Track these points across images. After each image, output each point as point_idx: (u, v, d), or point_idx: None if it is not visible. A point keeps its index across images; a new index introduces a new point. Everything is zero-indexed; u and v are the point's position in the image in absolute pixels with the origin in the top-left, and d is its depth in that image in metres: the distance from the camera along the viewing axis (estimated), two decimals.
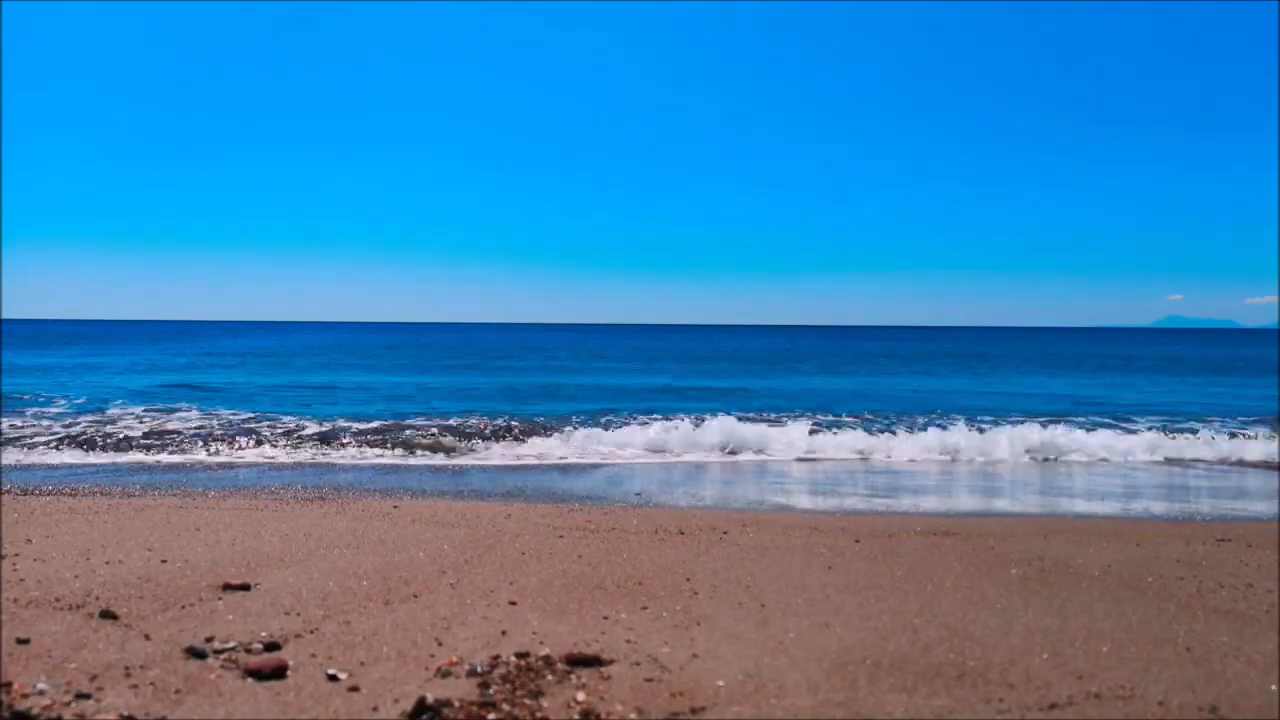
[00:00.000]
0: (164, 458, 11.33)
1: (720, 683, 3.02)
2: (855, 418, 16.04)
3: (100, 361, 33.94)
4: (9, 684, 2.75)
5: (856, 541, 5.94)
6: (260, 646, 3.26)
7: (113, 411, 15.97)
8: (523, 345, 60.60)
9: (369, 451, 11.83)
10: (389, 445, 12.25)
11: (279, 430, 13.52)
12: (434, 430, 13.57)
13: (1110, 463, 12.04)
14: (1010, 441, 12.55)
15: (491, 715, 2.65)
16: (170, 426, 13.90)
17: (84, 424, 13.95)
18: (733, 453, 12.30)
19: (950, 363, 40.57)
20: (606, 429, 13.52)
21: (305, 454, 11.64)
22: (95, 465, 10.70)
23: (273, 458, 11.39)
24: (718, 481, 10.10)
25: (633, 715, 2.72)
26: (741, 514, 7.46)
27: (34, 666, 2.94)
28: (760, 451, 12.36)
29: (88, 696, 2.70)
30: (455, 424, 14.28)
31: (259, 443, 12.39)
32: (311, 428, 13.79)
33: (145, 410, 16.14)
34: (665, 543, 5.76)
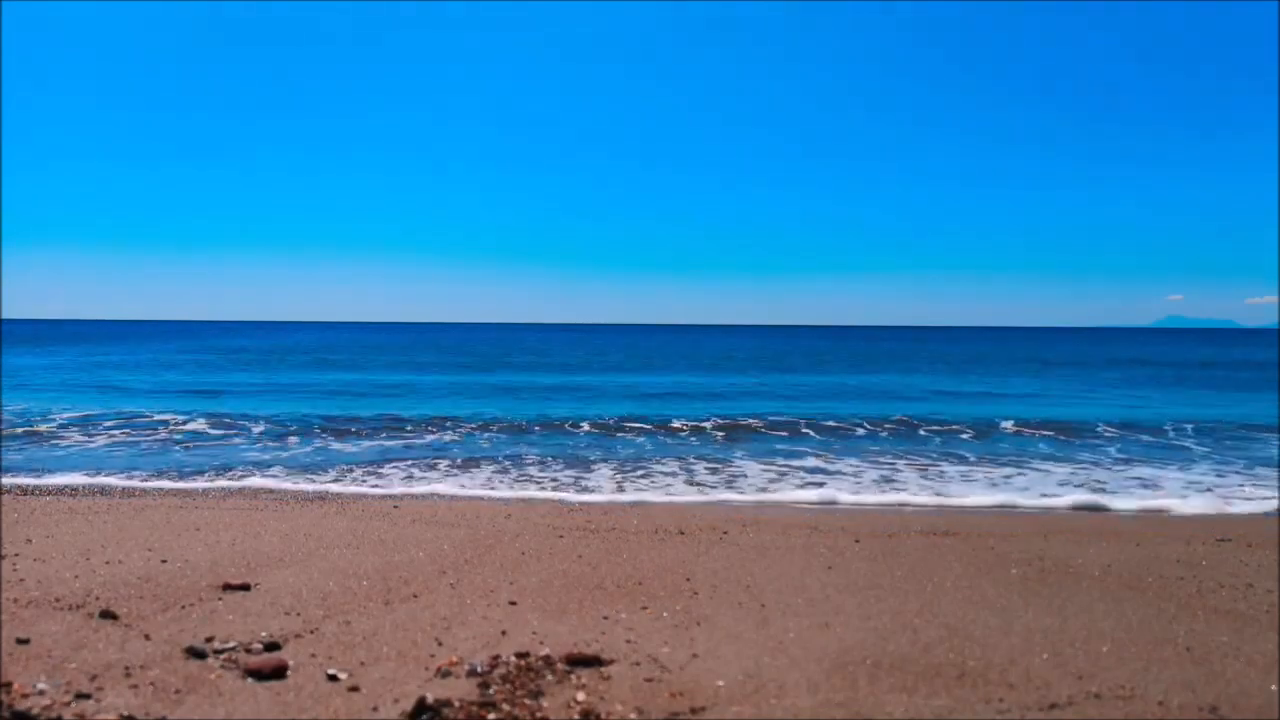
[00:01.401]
0: None
1: (720, 683, 3.02)
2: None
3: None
4: (9, 684, 2.75)
5: (856, 541, 5.94)
6: (260, 646, 3.26)
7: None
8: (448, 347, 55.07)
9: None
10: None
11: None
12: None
13: None
14: None
15: (491, 715, 2.65)
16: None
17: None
18: None
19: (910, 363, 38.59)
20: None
21: None
22: None
23: None
24: None
25: (633, 715, 2.72)
26: (741, 514, 7.46)
27: (34, 666, 2.94)
28: None
29: (88, 696, 2.70)
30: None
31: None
32: None
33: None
34: (665, 543, 5.76)
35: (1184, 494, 8.97)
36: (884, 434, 14.12)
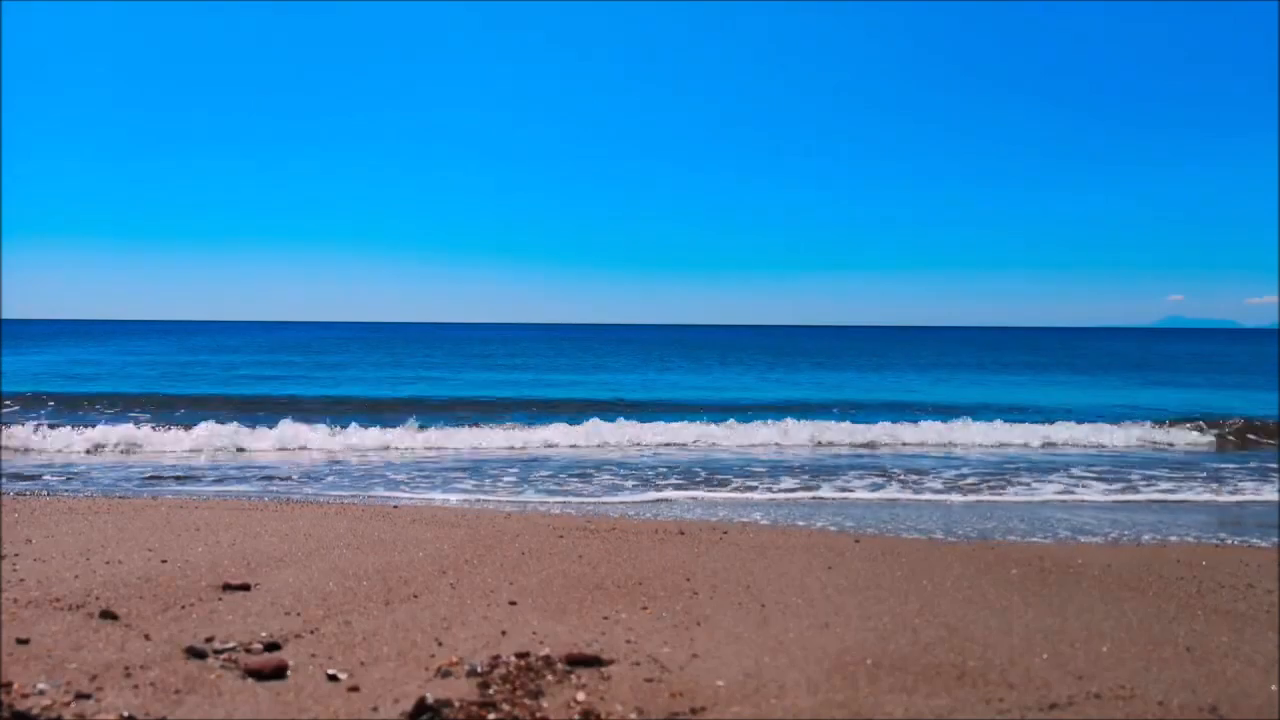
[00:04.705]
0: None
1: (720, 683, 3.02)
2: None
3: None
4: (9, 684, 2.75)
5: (856, 542, 5.95)
6: (260, 646, 3.26)
7: None
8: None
9: None
10: None
11: None
12: None
13: None
14: None
15: (491, 715, 2.65)
16: None
17: None
18: None
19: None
20: None
21: None
22: None
23: None
24: None
25: (633, 715, 2.72)
26: (741, 514, 7.46)
27: (34, 666, 2.94)
28: None
29: (88, 696, 2.70)
30: None
31: None
32: None
33: None
34: (665, 543, 5.76)
35: None
36: None
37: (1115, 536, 6.68)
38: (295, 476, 9.77)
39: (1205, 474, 10.72)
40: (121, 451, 11.80)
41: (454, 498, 8.46)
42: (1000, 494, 9.14)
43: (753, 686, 2.99)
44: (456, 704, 2.70)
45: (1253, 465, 11.68)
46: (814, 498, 8.77)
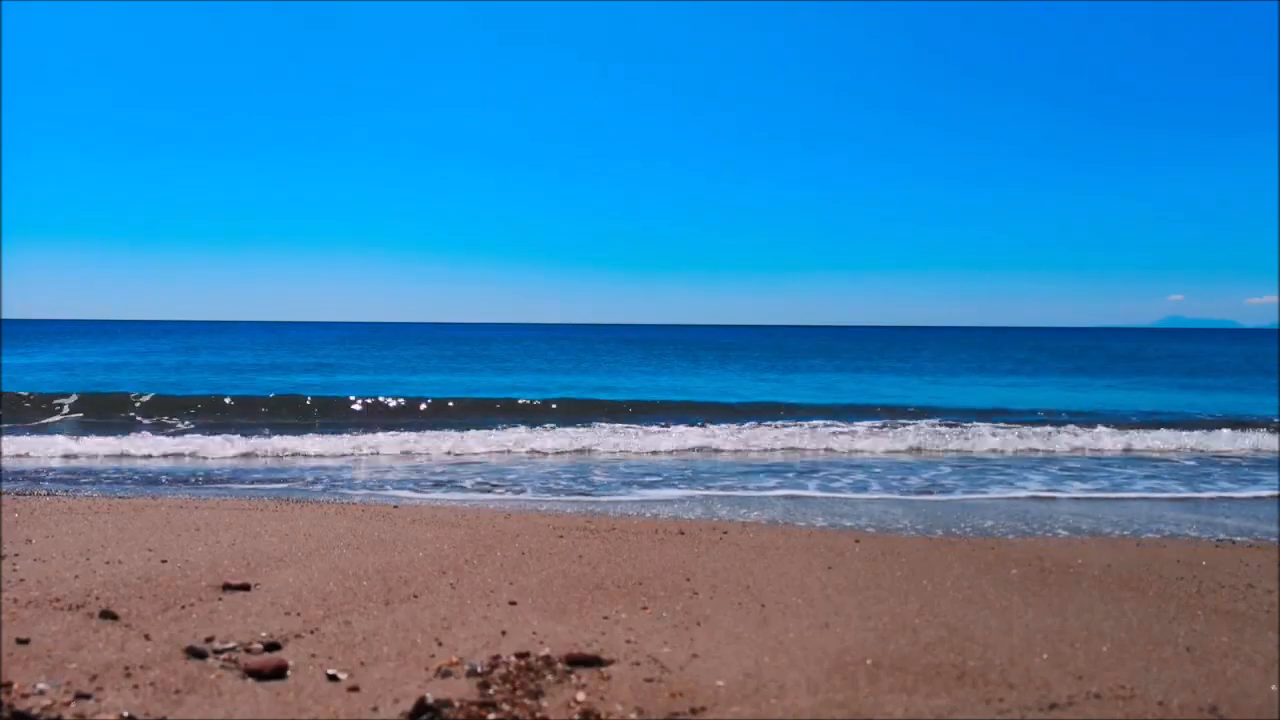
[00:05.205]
0: None
1: (720, 683, 3.02)
2: None
3: None
4: (9, 684, 2.75)
5: (856, 542, 5.95)
6: (260, 646, 3.26)
7: None
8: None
9: None
10: None
11: None
12: None
13: None
14: None
15: (491, 715, 2.65)
16: None
17: None
18: None
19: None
20: None
21: None
22: None
23: None
24: None
25: (633, 715, 2.72)
26: (741, 514, 7.46)
27: (34, 666, 2.94)
28: None
29: (88, 696, 2.70)
30: None
31: None
32: None
33: None
34: (665, 543, 5.76)
35: None
36: None
37: (1116, 536, 6.68)
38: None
39: None
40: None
41: (454, 497, 8.46)
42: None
43: (753, 686, 2.99)
44: (456, 704, 2.70)
45: None
46: (849, 497, 8.79)
